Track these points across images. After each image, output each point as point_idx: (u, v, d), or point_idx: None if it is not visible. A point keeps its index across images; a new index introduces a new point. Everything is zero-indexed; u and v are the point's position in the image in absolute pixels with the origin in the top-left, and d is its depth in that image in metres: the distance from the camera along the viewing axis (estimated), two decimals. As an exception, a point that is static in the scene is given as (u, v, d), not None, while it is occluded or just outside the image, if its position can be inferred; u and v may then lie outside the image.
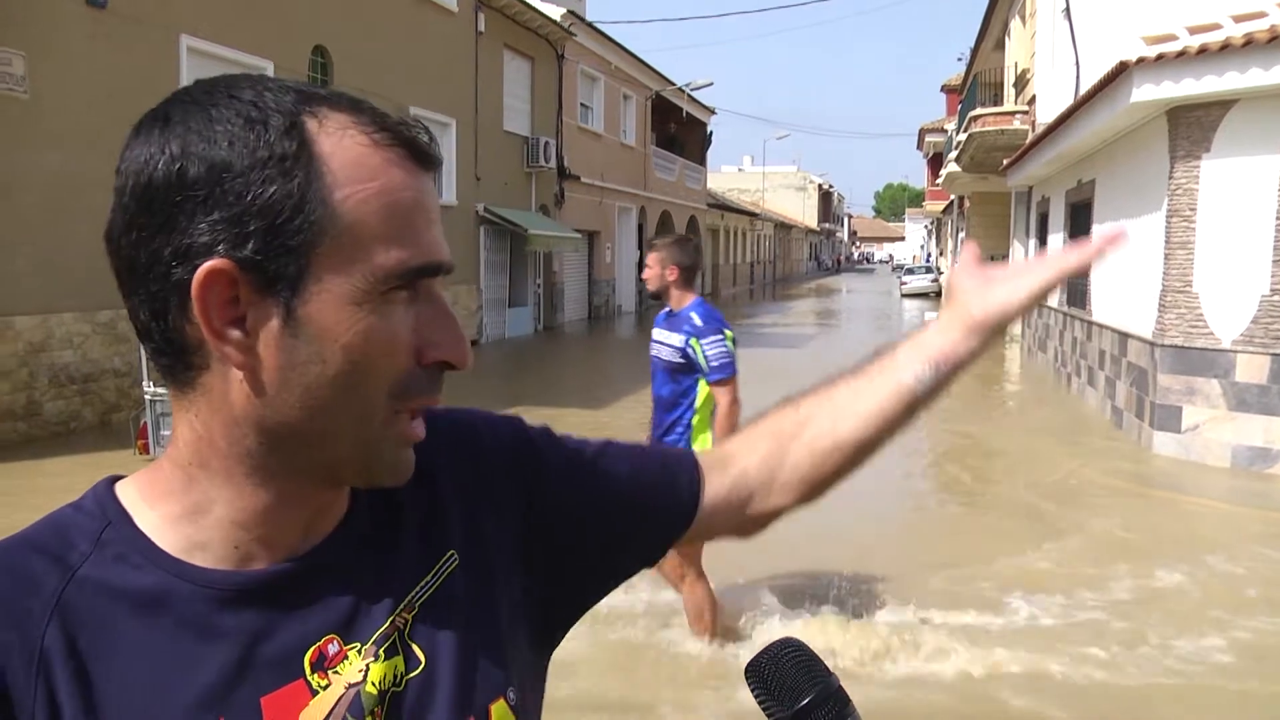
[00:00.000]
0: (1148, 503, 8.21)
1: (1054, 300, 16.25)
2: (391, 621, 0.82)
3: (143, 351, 8.90)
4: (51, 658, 0.71)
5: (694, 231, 40.99)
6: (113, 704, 0.72)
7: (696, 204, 40.65)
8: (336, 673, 0.78)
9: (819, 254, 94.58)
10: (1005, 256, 26.26)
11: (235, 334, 0.71)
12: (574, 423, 11.18)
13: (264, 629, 0.77)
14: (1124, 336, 11.19)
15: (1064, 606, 5.74)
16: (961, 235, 37.01)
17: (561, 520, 0.96)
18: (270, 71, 13.72)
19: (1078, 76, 15.54)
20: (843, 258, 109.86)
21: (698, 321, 4.53)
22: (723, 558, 6.69)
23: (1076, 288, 14.36)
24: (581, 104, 27.25)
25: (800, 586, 5.94)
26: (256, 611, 0.77)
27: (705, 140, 41.56)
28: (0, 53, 9.66)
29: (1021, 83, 22.38)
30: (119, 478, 0.82)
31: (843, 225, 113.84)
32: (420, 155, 0.76)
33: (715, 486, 1.05)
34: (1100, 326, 12.51)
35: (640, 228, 33.11)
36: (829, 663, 0.78)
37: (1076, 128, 12.36)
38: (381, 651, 0.80)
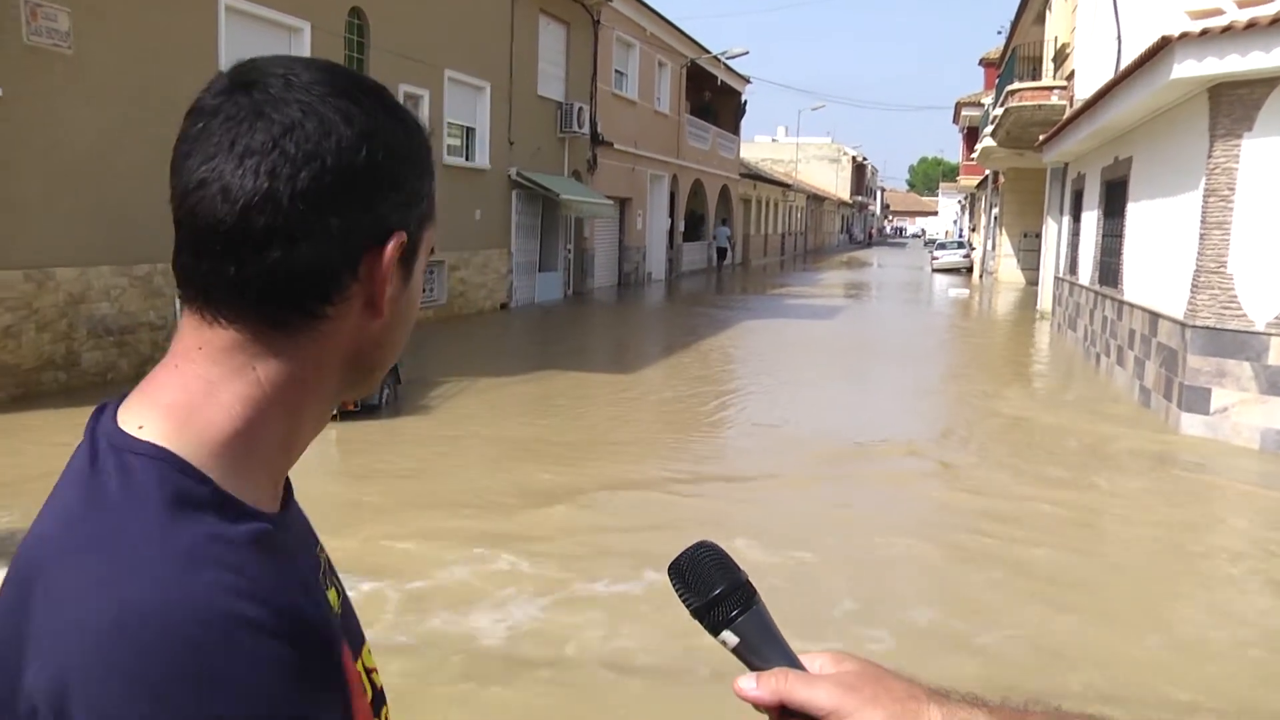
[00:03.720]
0: (1171, 482, 8.19)
1: (1086, 278, 16.13)
2: (321, 556, 0.93)
3: (177, 306, 9.10)
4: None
5: (726, 201, 40.86)
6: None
7: (729, 173, 40.46)
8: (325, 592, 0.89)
9: (851, 227, 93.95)
10: (1038, 235, 26.03)
11: (390, 291, 0.83)
12: (601, 386, 11.26)
13: (304, 554, 0.88)
14: (1155, 316, 11.12)
15: (1073, 585, 5.78)
16: (995, 211, 36.70)
17: None
18: (307, 33, 13.77)
19: (1119, 51, 15.35)
20: (875, 231, 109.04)
21: None
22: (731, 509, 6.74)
23: (1109, 266, 14.25)
24: (616, 70, 27.14)
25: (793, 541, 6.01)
26: (298, 540, 0.88)
27: (739, 109, 41.30)
28: (47, 8, 9.77)
29: (1061, 57, 22.11)
30: (115, 412, 0.81)
31: (875, 198, 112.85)
32: None
33: None
34: (1131, 306, 12.43)
35: (672, 196, 33.02)
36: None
37: (1115, 104, 12.22)
38: (328, 580, 0.91)
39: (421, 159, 0.85)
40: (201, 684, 0.66)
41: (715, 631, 0.83)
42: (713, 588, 0.82)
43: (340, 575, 0.96)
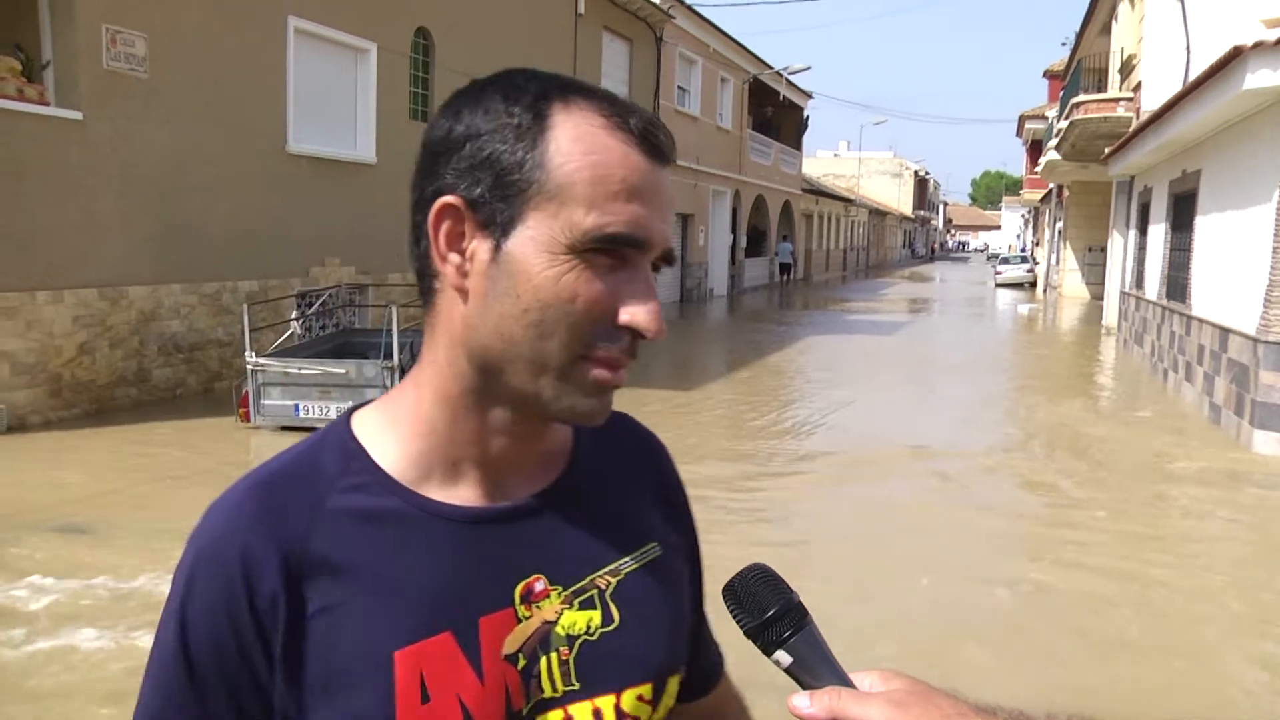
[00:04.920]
0: (1242, 502, 8.00)
1: (1153, 293, 15.84)
2: (593, 579, 0.94)
3: (246, 322, 9.27)
4: (303, 571, 0.85)
5: (788, 217, 40.75)
6: (354, 609, 0.86)
7: (791, 189, 40.35)
8: (538, 608, 0.91)
9: (913, 241, 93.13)
10: (1103, 249, 25.61)
11: (454, 258, 0.86)
12: (660, 402, 11.29)
13: (484, 558, 0.90)
14: (1225, 332, 10.88)
15: (1135, 604, 5.68)
16: (1059, 225, 36.17)
17: None
18: (374, 54, 14.03)
19: (1188, 62, 15.10)
20: (937, 246, 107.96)
21: None
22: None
23: (1177, 280, 13.99)
24: (679, 86, 27.24)
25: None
26: (478, 542, 0.90)
27: (801, 124, 41.20)
28: (126, 34, 10.10)
29: (1127, 69, 21.77)
30: (358, 407, 0.97)
31: (938, 213, 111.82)
32: (648, 148, 0.87)
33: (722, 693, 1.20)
34: (1200, 321, 12.17)
35: (734, 211, 33.01)
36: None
37: (1184, 116, 12.01)
38: (578, 602, 0.93)
39: (509, 130, 0.84)
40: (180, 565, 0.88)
41: (769, 651, 0.85)
42: (766, 609, 0.84)
43: None
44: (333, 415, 8.76)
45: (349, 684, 0.84)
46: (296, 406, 9.12)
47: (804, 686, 0.84)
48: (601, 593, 0.94)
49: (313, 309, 11.97)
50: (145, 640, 4.70)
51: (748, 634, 0.86)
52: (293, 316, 11.10)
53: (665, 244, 0.87)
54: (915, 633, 5.20)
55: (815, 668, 0.84)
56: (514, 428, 0.91)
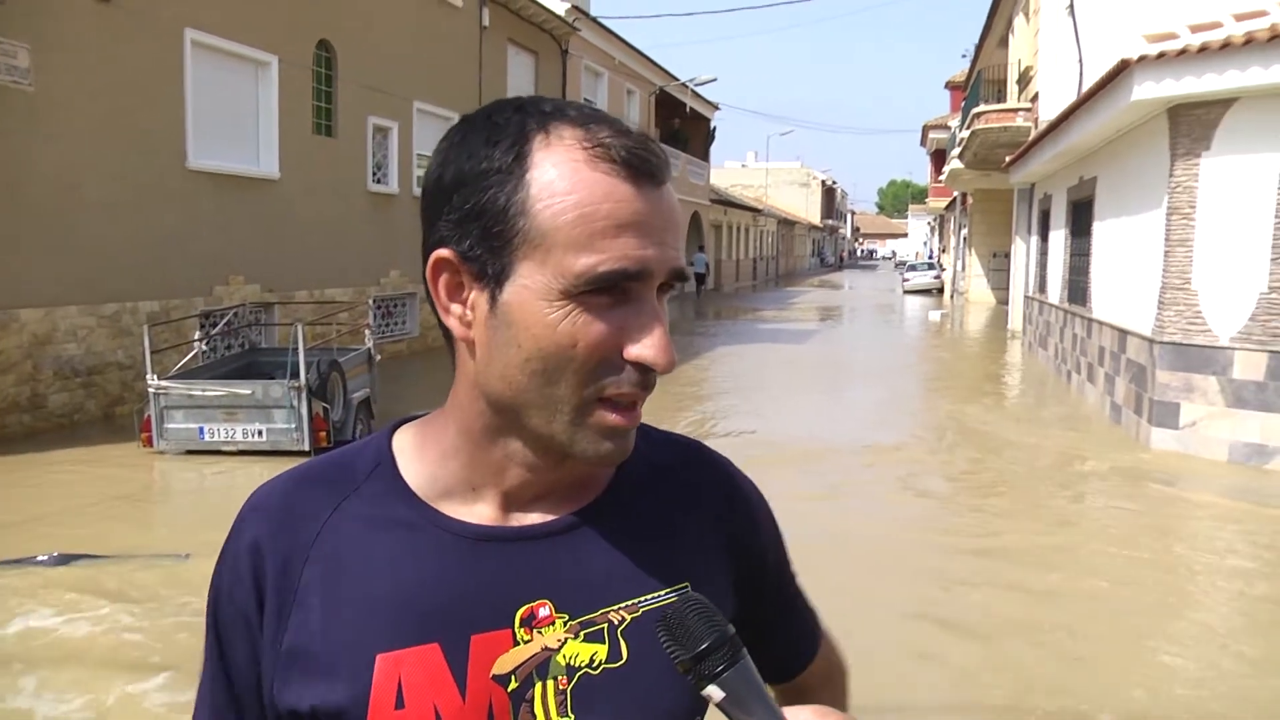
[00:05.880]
0: (1142, 497, 8.24)
1: (1055, 297, 16.28)
2: (605, 613, 0.91)
3: (147, 344, 8.96)
4: (304, 567, 0.90)
5: (697, 227, 41.01)
6: (346, 606, 0.88)
7: (700, 200, 40.60)
8: (540, 633, 0.89)
9: (822, 250, 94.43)
10: (1007, 255, 26.26)
11: (456, 309, 0.86)
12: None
13: (488, 577, 0.89)
14: (1123, 333, 11.22)
15: (1054, 597, 5.80)
16: (964, 232, 37.02)
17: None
18: (275, 67, 13.75)
19: (1080, 74, 15.56)
20: (846, 254, 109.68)
21: None
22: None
23: (1077, 285, 14.39)
24: (585, 99, 27.22)
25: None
26: (484, 560, 0.90)
27: (709, 136, 41.50)
28: (6, 45, 9.70)
29: (1025, 80, 22.40)
30: (405, 421, 0.99)
31: (846, 221, 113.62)
32: (635, 173, 0.82)
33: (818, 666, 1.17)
34: (1100, 323, 12.54)
35: (643, 223, 33.03)
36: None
37: (1078, 125, 12.39)
38: (584, 633, 0.90)
39: (491, 176, 0.81)
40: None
41: (701, 686, 0.82)
42: (699, 641, 0.81)
43: None
44: (239, 438, 8.42)
45: (330, 675, 0.86)
46: (201, 429, 8.87)
47: None
48: (613, 627, 0.91)
49: (217, 329, 11.67)
50: (49, 690, 4.52)
51: (679, 666, 0.82)
52: (196, 337, 10.79)
53: (669, 266, 0.83)
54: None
55: (748, 704, 0.81)
56: (536, 461, 0.90)
